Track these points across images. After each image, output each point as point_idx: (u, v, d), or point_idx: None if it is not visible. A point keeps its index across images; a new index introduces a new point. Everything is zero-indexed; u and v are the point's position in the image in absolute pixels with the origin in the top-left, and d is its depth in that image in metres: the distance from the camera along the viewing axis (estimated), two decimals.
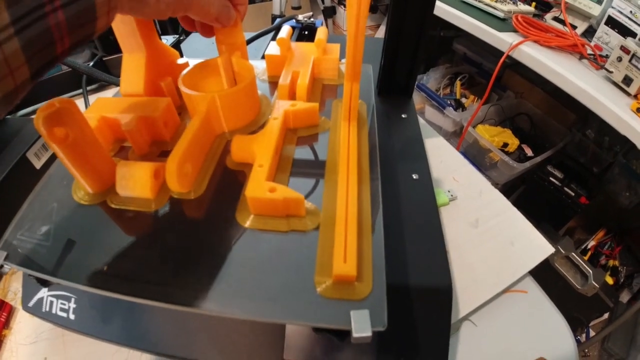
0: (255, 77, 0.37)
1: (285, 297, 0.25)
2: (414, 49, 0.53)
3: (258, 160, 0.30)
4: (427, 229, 0.40)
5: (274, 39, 0.67)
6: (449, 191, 0.58)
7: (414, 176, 0.44)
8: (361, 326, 0.23)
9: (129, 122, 0.34)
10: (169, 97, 0.37)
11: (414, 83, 0.56)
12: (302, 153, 0.35)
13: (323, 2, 1.15)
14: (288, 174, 0.33)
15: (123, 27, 0.37)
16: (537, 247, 0.56)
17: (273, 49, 0.44)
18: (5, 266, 0.30)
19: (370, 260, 0.26)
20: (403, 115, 0.53)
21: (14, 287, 0.50)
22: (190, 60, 0.44)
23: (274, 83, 0.44)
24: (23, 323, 0.47)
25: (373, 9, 1.92)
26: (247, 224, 0.29)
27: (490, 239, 0.54)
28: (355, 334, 0.23)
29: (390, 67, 0.55)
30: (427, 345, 0.36)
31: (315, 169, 0.34)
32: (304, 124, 0.37)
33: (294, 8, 1.20)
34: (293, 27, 0.70)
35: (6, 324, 0.47)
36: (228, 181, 0.33)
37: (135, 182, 0.31)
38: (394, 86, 0.56)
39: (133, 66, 0.39)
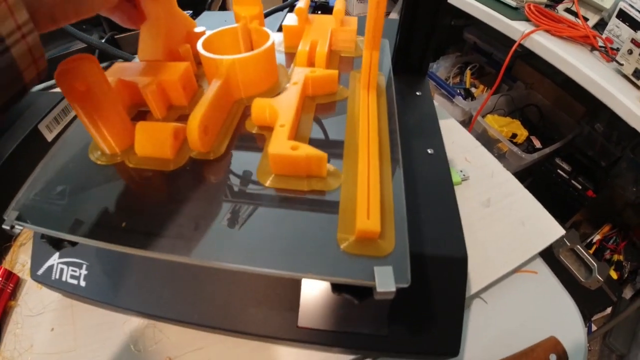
0: (274, 44, 0.36)
1: (308, 253, 0.25)
2: (430, 28, 0.52)
3: (280, 121, 0.30)
4: (443, 202, 0.40)
5: (289, 11, 0.67)
6: (461, 171, 0.58)
7: (429, 151, 0.44)
8: (385, 282, 0.23)
9: (147, 85, 0.34)
10: (187, 62, 0.37)
11: (428, 63, 0.56)
12: (321, 118, 0.35)
13: None
14: (308, 139, 0.33)
15: None
16: (548, 229, 0.55)
17: (290, 19, 0.44)
18: (16, 227, 0.29)
19: (392, 218, 0.26)
20: (417, 93, 0.52)
21: (21, 258, 0.50)
22: (204, 28, 0.43)
23: (290, 54, 0.44)
24: (30, 294, 0.47)
25: None
26: (268, 183, 0.29)
27: (501, 219, 0.54)
28: (379, 289, 0.23)
29: (405, 46, 0.54)
30: (442, 315, 0.36)
31: (334, 134, 0.34)
32: (322, 91, 0.37)
33: None
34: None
35: (12, 295, 0.47)
36: (247, 143, 0.33)
37: (155, 141, 0.31)
38: (408, 65, 0.56)
39: (152, 32, 0.38)
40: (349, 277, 0.24)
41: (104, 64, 0.85)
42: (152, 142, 0.31)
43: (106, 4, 0.27)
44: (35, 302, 0.45)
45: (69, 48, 1.10)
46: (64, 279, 0.40)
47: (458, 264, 0.37)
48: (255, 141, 0.33)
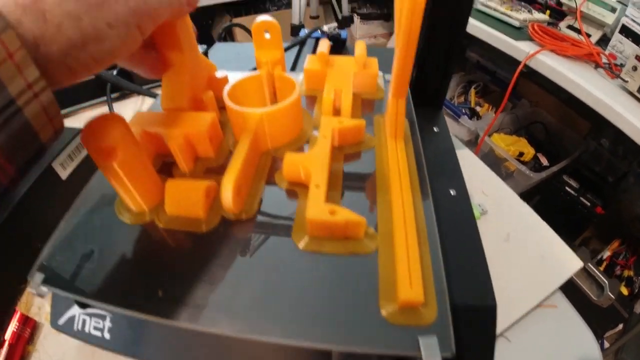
0: (300, 95, 0.36)
1: (349, 322, 0.25)
2: (446, 60, 0.53)
3: (314, 180, 0.30)
4: (469, 247, 0.40)
5: (299, 49, 0.68)
6: (479, 205, 0.58)
7: (452, 192, 0.44)
8: (431, 352, 0.23)
9: (174, 138, 0.34)
10: (214, 112, 0.37)
11: (444, 95, 0.56)
12: (350, 170, 0.35)
13: (341, 12, 1.15)
14: (339, 192, 0.33)
15: (165, 37, 0.37)
16: (566, 261, 0.55)
17: (311, 62, 0.44)
18: (43, 288, 0.29)
19: (432, 283, 0.26)
20: (435, 129, 0.52)
21: (38, 301, 0.50)
22: (228, 73, 0.43)
23: (311, 97, 0.44)
24: (48, 339, 0.46)
25: (386, 17, 1.93)
26: (303, 245, 0.29)
27: (521, 254, 0.54)
28: None
29: (420, 79, 0.55)
30: None
31: (365, 187, 0.34)
32: (349, 141, 0.37)
33: (312, 17, 1.20)
34: (318, 38, 0.70)
35: (30, 339, 0.46)
36: (279, 201, 0.33)
37: (187, 201, 0.31)
38: (424, 98, 0.56)
39: (175, 81, 0.38)
40: (393, 348, 0.24)
41: (115, 95, 0.86)
42: (184, 202, 0.31)
43: (127, 48, 0.25)
44: (54, 348, 0.45)
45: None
46: (87, 330, 0.39)
47: (487, 313, 0.37)
48: (286, 198, 0.33)
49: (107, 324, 0.39)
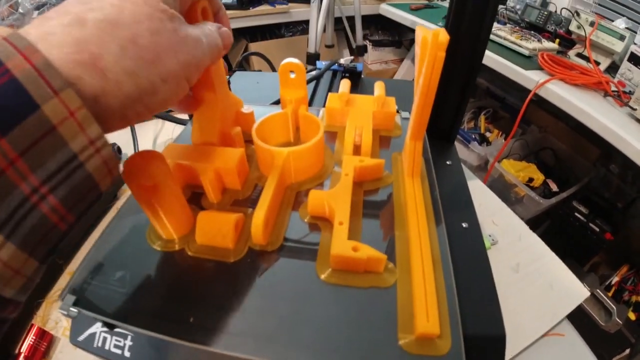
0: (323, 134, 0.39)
1: (369, 351, 0.27)
2: (460, 97, 0.55)
3: (337, 218, 0.32)
4: (480, 278, 0.41)
5: (317, 80, 0.71)
6: (490, 235, 0.60)
7: (464, 225, 0.46)
8: None
9: (207, 173, 0.37)
10: (242, 148, 0.40)
11: (457, 130, 0.59)
12: (369, 206, 0.37)
13: (355, 41, 1.19)
14: (359, 226, 0.35)
15: (201, 81, 0.40)
16: (574, 290, 0.57)
17: (333, 101, 0.47)
18: (73, 310, 0.30)
19: (446, 316, 0.28)
20: (448, 162, 0.55)
21: (54, 315, 0.51)
22: (253, 108, 0.46)
23: (330, 132, 0.47)
24: (65, 353, 0.47)
25: (397, 44, 1.97)
26: (326, 277, 0.31)
27: (531, 284, 0.56)
28: None
29: (434, 114, 0.57)
30: None
31: (383, 222, 0.36)
32: (369, 178, 0.39)
33: (327, 46, 1.24)
34: (335, 71, 0.73)
35: (46, 353, 0.47)
36: (302, 234, 0.35)
37: (218, 233, 0.33)
38: (437, 132, 0.58)
39: (206, 117, 0.41)
40: None
41: None
42: (214, 233, 0.33)
43: (177, 97, 0.26)
44: None
45: None
46: (107, 347, 0.39)
47: (497, 342, 0.38)
48: (309, 231, 0.35)
49: (128, 342, 0.40)
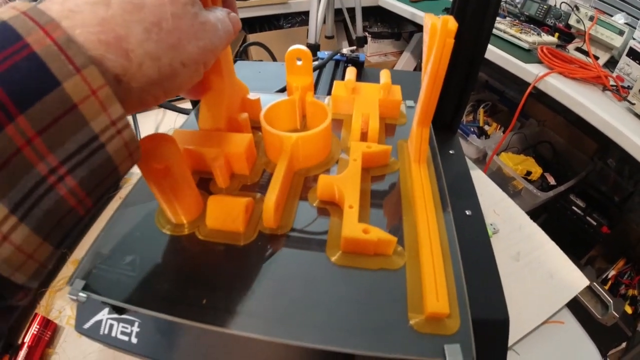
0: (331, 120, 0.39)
1: (379, 330, 0.27)
2: (463, 87, 0.56)
3: (347, 201, 0.33)
4: (484, 264, 0.42)
5: (319, 69, 0.71)
6: (491, 224, 0.60)
7: (467, 212, 0.47)
8: (455, 359, 0.26)
9: (217, 158, 0.37)
10: (250, 134, 0.40)
11: (459, 120, 0.59)
12: (377, 191, 0.38)
13: (355, 32, 1.19)
14: (368, 210, 0.35)
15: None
16: (574, 279, 0.58)
17: (340, 89, 0.47)
18: (81, 296, 0.30)
19: (455, 296, 0.29)
20: (451, 152, 0.55)
21: (57, 304, 0.51)
22: (259, 95, 0.46)
23: (336, 120, 0.47)
24: (69, 342, 0.47)
25: (396, 36, 1.97)
26: (336, 259, 0.31)
27: (531, 272, 0.57)
28: None
29: (439, 105, 0.57)
30: None
31: (391, 206, 0.36)
32: (376, 164, 0.40)
33: (327, 37, 1.24)
34: (338, 60, 0.73)
35: (50, 342, 0.47)
36: (312, 218, 0.35)
37: (228, 216, 0.34)
38: (439, 123, 0.59)
39: (214, 102, 0.41)
40: (421, 355, 0.26)
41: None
42: (224, 216, 0.34)
43: (193, 82, 0.26)
44: (74, 352, 0.46)
45: None
46: (113, 334, 0.40)
47: (501, 325, 0.39)
48: (318, 215, 0.36)
49: (135, 329, 0.40)
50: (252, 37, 1.63)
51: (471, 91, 0.55)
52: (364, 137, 0.42)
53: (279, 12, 1.63)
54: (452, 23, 0.29)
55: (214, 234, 0.34)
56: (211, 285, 0.31)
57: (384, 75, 0.47)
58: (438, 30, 0.30)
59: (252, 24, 1.72)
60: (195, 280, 0.31)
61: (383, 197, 0.37)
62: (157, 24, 0.22)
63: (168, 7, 0.22)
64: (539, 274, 0.57)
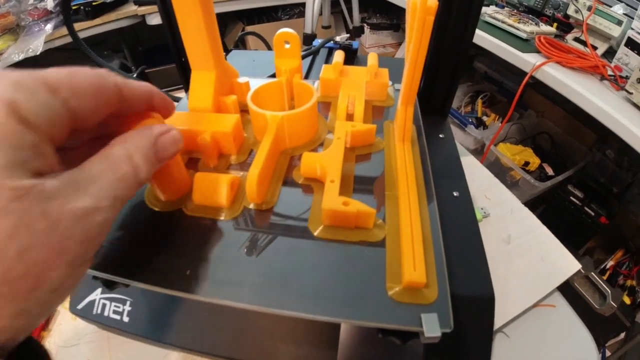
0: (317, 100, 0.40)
1: (359, 300, 0.28)
2: (452, 72, 0.56)
3: (329, 176, 0.33)
4: (470, 243, 0.43)
5: (313, 57, 0.71)
6: (482, 208, 0.61)
7: (455, 193, 0.47)
8: (431, 327, 0.26)
9: (204, 137, 0.37)
10: (238, 114, 0.40)
11: (450, 104, 0.59)
12: (361, 170, 0.38)
13: (352, 22, 1.20)
14: (351, 189, 0.36)
15: (196, 46, 0.40)
16: (565, 263, 0.58)
17: (327, 71, 0.48)
18: None
19: (433, 268, 0.29)
20: (441, 135, 0.56)
21: None
22: (248, 79, 0.47)
23: (325, 102, 0.48)
24: (64, 325, 0.47)
25: (395, 27, 1.97)
26: (318, 233, 0.32)
27: (521, 255, 0.57)
28: (427, 334, 0.26)
29: (428, 89, 0.58)
30: (471, 351, 0.38)
31: (375, 184, 0.37)
32: (361, 143, 0.40)
33: (324, 27, 1.25)
34: (331, 48, 0.74)
35: (45, 326, 0.47)
36: (296, 194, 0.36)
37: (213, 192, 0.34)
38: (431, 107, 0.59)
39: (203, 83, 0.42)
40: (398, 323, 0.27)
41: None
42: (210, 192, 0.34)
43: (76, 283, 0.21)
44: (69, 334, 0.46)
45: None
46: (106, 314, 0.41)
47: (486, 303, 0.40)
48: (302, 192, 0.36)
49: (127, 307, 0.41)
50: (249, 29, 1.63)
51: (460, 76, 0.56)
52: (350, 118, 0.42)
53: (277, 4, 1.63)
54: (431, 0, 0.30)
55: (200, 209, 0.35)
56: (195, 257, 0.31)
57: (371, 58, 0.47)
58: (418, 8, 0.30)
59: (250, 16, 1.73)
60: (180, 253, 0.32)
61: (367, 174, 0.38)
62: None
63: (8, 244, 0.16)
64: (529, 256, 0.57)
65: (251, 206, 0.35)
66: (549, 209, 1.40)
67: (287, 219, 0.34)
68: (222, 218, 0.34)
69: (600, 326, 1.17)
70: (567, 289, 1.16)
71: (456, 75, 0.56)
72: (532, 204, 1.42)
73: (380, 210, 0.34)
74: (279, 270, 0.30)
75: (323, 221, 0.32)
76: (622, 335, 1.25)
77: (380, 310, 0.27)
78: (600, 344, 1.23)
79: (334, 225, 0.32)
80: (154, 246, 0.33)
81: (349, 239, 0.31)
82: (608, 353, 1.23)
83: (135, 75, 0.87)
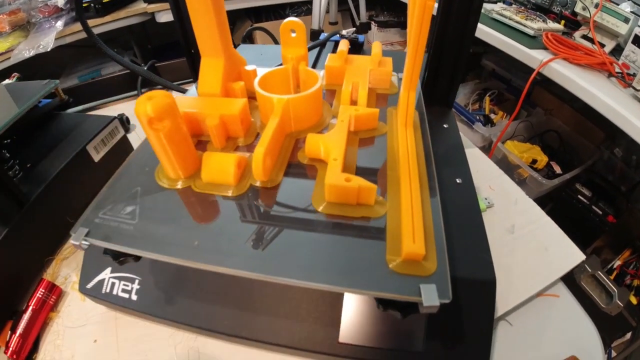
0: (322, 85, 0.41)
1: (361, 271, 0.29)
2: (456, 63, 0.57)
3: (332, 155, 0.34)
4: (472, 228, 0.43)
5: (319, 50, 0.72)
6: (486, 199, 0.61)
7: (458, 180, 0.48)
8: (430, 297, 0.27)
9: (213, 119, 0.39)
10: (245, 98, 0.42)
11: (454, 95, 0.60)
12: (364, 152, 0.39)
13: (359, 18, 1.20)
14: (354, 170, 0.37)
15: (205, 32, 0.41)
16: (569, 254, 0.58)
17: (332, 60, 0.49)
18: (83, 243, 0.32)
19: (433, 242, 0.30)
20: (445, 125, 0.56)
21: (63, 272, 0.52)
22: (255, 67, 0.48)
23: (331, 91, 0.49)
24: (72, 306, 0.48)
25: (403, 25, 1.97)
26: (321, 209, 0.33)
27: (525, 245, 0.57)
28: (425, 304, 0.26)
29: (432, 80, 0.59)
30: (472, 333, 0.39)
31: (377, 165, 0.38)
32: (364, 127, 0.41)
33: (331, 23, 1.25)
34: (338, 42, 0.74)
35: (54, 307, 0.48)
36: (300, 173, 0.37)
37: (221, 170, 0.36)
38: (435, 98, 0.60)
39: (212, 69, 0.43)
40: (398, 293, 0.28)
41: (145, 89, 0.91)
42: (217, 171, 0.36)
43: None
44: (78, 315, 0.47)
45: (98, 71, 1.17)
46: (115, 292, 0.42)
47: (488, 286, 0.40)
48: (307, 171, 0.37)
49: (135, 286, 0.42)
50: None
51: (464, 65, 0.56)
52: (354, 104, 0.43)
53: (285, 2, 1.64)
54: None
55: (208, 186, 0.36)
56: (203, 231, 0.33)
57: (375, 47, 0.48)
58: None
59: (258, 14, 1.74)
60: (188, 227, 0.33)
61: (370, 156, 0.39)
62: None
63: None
64: (533, 246, 0.57)
65: (257, 184, 0.36)
66: (556, 207, 1.39)
67: (291, 197, 0.35)
68: (229, 194, 0.35)
69: (606, 325, 1.16)
70: (573, 287, 1.16)
71: (459, 64, 0.57)
72: (540, 202, 1.40)
73: (382, 189, 0.35)
74: (283, 243, 0.31)
75: (326, 198, 0.33)
76: (629, 335, 1.24)
77: (380, 280, 0.28)
78: (607, 344, 1.22)
79: (336, 201, 0.33)
80: (163, 220, 0.34)
81: (352, 214, 0.32)
82: (614, 353, 1.22)
83: (146, 67, 0.89)
